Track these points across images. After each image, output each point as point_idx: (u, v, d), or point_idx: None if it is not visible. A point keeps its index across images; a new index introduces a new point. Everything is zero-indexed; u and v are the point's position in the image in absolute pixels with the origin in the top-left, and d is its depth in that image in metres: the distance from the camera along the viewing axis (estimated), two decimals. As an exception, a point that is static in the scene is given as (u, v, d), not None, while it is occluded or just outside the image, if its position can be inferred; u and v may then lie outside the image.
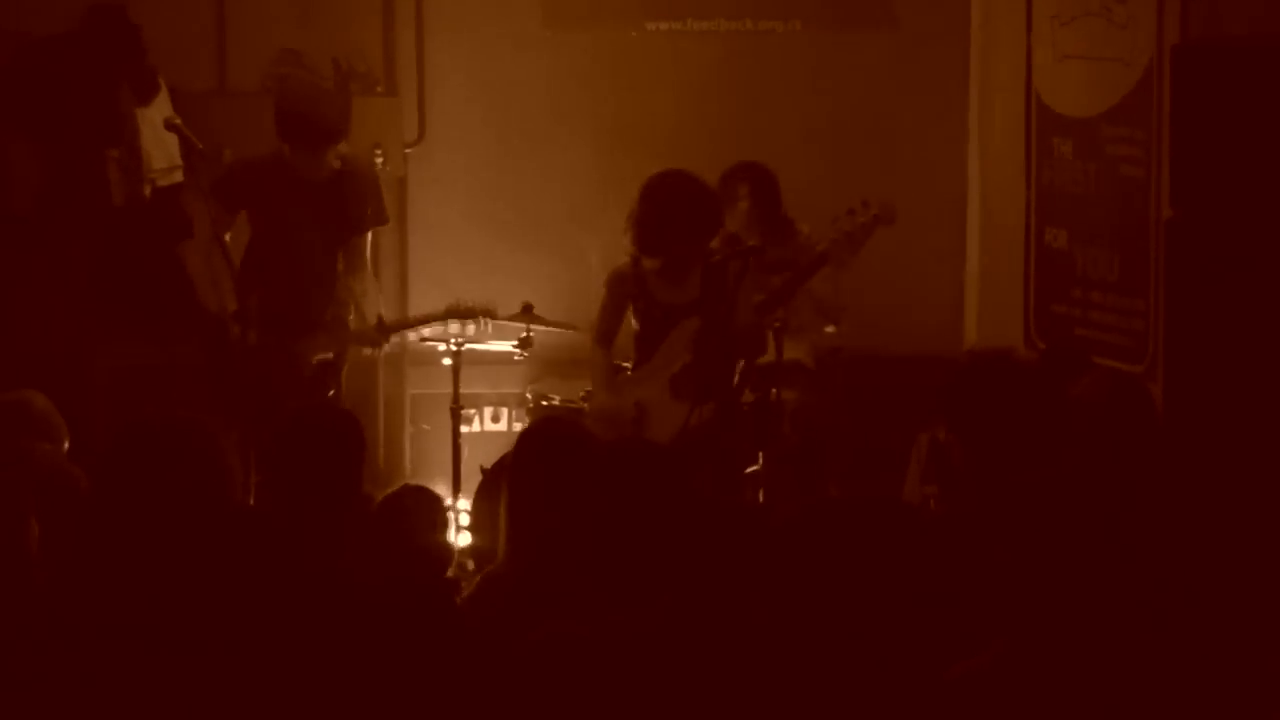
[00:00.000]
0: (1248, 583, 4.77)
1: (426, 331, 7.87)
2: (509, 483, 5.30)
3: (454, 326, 7.77)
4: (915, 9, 9.33)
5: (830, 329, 7.81)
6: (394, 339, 7.96)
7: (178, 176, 8.50)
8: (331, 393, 7.79)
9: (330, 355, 7.81)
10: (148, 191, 8.59)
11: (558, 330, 8.08)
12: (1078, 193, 8.21)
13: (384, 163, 8.66)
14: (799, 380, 7.95)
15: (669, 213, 7.38)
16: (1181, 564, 4.74)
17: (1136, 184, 7.79)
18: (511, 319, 8.08)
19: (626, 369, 7.74)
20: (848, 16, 9.34)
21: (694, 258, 7.42)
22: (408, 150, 9.10)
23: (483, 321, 7.76)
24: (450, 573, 5.25)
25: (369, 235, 7.95)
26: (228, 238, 7.69)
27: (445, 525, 5.18)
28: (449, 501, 8.03)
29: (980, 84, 9.20)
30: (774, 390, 7.49)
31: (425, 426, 9.20)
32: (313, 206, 7.68)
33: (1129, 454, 5.13)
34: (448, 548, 5.15)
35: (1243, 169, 6.36)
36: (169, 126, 7.69)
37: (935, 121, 9.30)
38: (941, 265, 9.31)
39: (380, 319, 7.83)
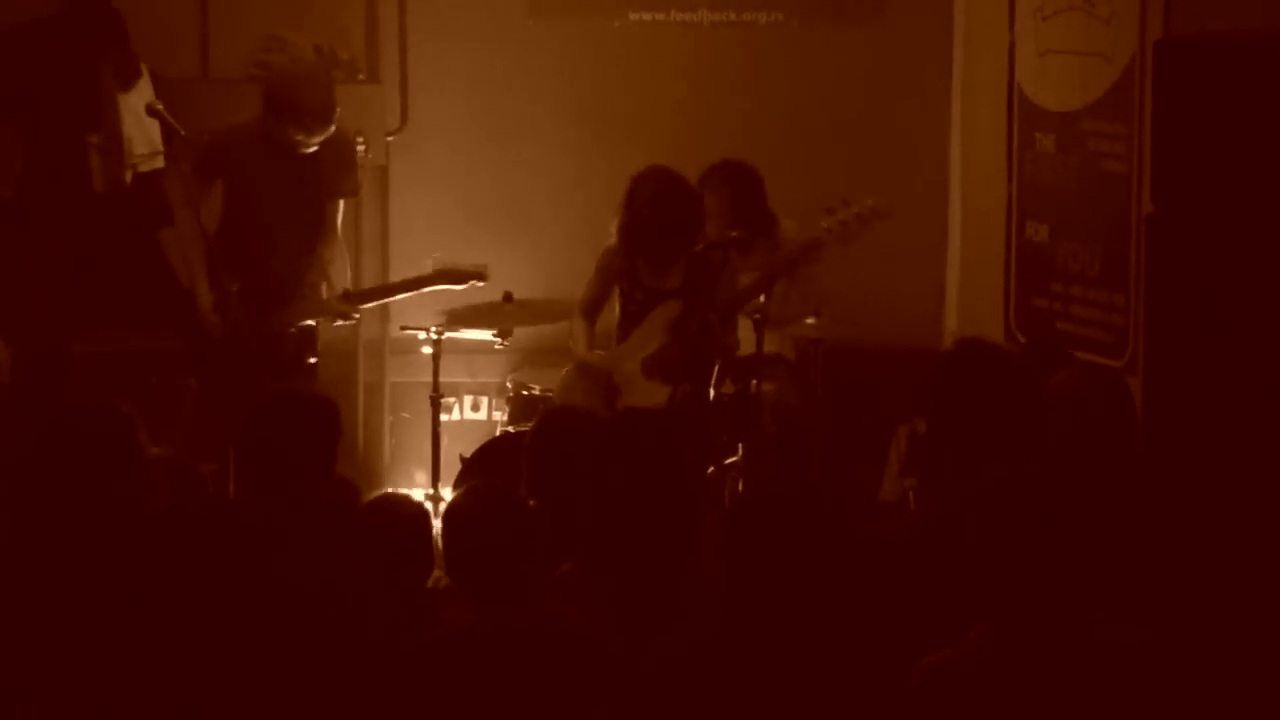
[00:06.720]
0: (1225, 576, 4.79)
1: (401, 296, 7.87)
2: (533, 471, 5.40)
3: (433, 285, 7.74)
4: (899, 2, 9.33)
5: (811, 320, 7.80)
6: (363, 310, 7.93)
7: (159, 162, 8.48)
8: (312, 360, 7.74)
9: (308, 324, 7.75)
10: (129, 177, 8.57)
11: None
12: (1059, 187, 8.21)
13: (366, 150, 8.63)
14: (779, 372, 7.95)
15: (653, 216, 7.38)
16: (1159, 557, 4.75)
17: (1118, 179, 7.80)
18: (492, 307, 8.06)
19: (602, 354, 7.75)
20: (831, 9, 9.33)
21: (680, 252, 7.46)
22: (390, 138, 9.08)
23: (469, 285, 7.73)
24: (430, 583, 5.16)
25: (340, 203, 7.85)
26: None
27: (428, 538, 5.05)
28: (429, 490, 8.04)
29: (963, 77, 9.20)
30: (754, 382, 7.50)
31: (405, 415, 9.20)
32: (291, 175, 7.61)
33: (1107, 448, 5.13)
34: (429, 560, 5.04)
35: (1224, 165, 6.37)
36: (151, 112, 7.68)
37: (917, 114, 9.30)
38: (922, 258, 9.31)
39: (347, 290, 7.80)
